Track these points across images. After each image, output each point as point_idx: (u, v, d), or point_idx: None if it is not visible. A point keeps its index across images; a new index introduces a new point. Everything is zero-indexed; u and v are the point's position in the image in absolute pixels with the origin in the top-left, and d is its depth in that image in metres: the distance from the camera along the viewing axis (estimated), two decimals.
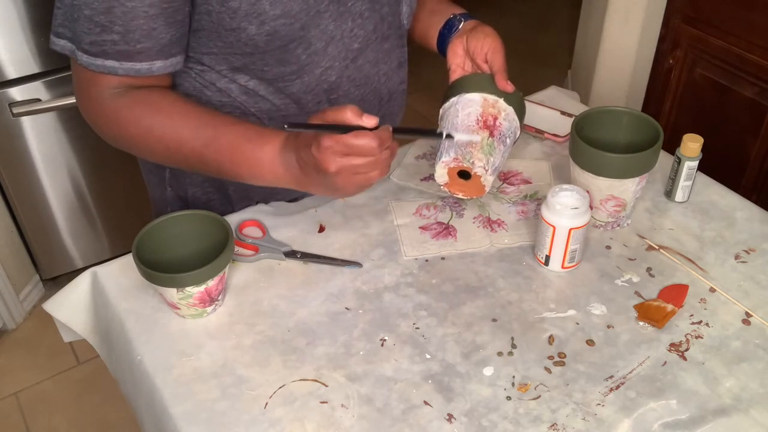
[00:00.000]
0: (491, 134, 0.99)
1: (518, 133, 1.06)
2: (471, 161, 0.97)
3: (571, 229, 0.96)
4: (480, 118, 1.00)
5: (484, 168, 0.97)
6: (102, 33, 0.86)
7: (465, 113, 1.01)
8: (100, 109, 0.94)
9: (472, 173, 0.98)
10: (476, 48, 1.07)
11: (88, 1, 0.84)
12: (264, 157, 0.91)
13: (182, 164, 0.98)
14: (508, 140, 1.01)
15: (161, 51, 0.90)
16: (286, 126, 0.81)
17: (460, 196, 1.02)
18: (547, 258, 1.00)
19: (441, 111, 1.08)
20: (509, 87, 1.02)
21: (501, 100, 1.02)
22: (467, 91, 1.04)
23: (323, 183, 0.88)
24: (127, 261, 1.02)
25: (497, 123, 1.00)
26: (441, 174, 1.01)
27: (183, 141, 0.93)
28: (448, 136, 0.97)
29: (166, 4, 0.85)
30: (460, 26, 1.11)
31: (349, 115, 0.84)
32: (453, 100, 1.05)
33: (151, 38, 0.87)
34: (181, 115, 0.93)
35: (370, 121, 0.84)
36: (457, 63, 1.10)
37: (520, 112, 1.06)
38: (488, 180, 0.98)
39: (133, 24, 0.85)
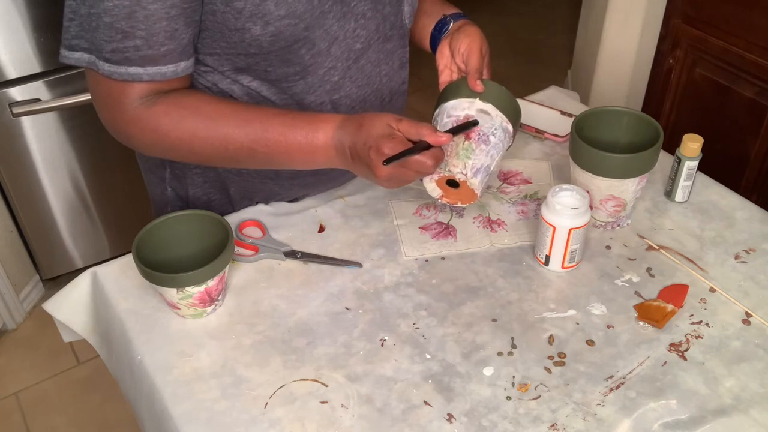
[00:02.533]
0: (467, 137, 0.98)
1: (509, 126, 1.03)
2: (448, 169, 0.96)
3: (571, 229, 0.96)
4: (455, 125, 0.99)
5: (462, 173, 0.96)
6: (124, 39, 0.85)
7: (443, 124, 1.01)
8: (130, 119, 0.92)
9: (459, 181, 0.97)
10: (455, 49, 1.07)
11: (108, 8, 0.83)
12: (317, 143, 0.93)
13: (229, 162, 0.99)
14: (492, 138, 0.99)
15: (183, 52, 0.89)
16: (384, 162, 0.87)
17: (459, 204, 1.02)
18: (547, 258, 1.00)
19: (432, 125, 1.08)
20: (478, 87, 1.01)
21: (477, 100, 1.01)
22: (446, 100, 1.04)
23: (368, 177, 0.93)
24: (127, 261, 1.03)
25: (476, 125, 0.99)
26: (432, 188, 1.00)
27: (230, 139, 0.93)
28: (475, 122, 1.00)
29: (186, 4, 0.85)
30: (450, 27, 1.11)
31: (425, 131, 0.89)
32: (435, 113, 1.05)
33: (174, 39, 0.87)
34: (222, 114, 0.94)
35: (441, 138, 0.89)
36: (444, 64, 1.10)
37: (505, 106, 1.03)
38: (474, 183, 0.96)
39: (156, 27, 0.85)
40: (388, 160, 0.86)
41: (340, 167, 0.95)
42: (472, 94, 1.01)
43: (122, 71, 0.88)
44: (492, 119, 1.00)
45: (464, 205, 1.03)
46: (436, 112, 1.04)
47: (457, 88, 1.03)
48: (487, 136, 0.98)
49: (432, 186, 1.00)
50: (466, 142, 0.97)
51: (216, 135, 0.93)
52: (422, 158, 0.88)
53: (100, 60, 0.88)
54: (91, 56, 0.88)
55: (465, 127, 0.98)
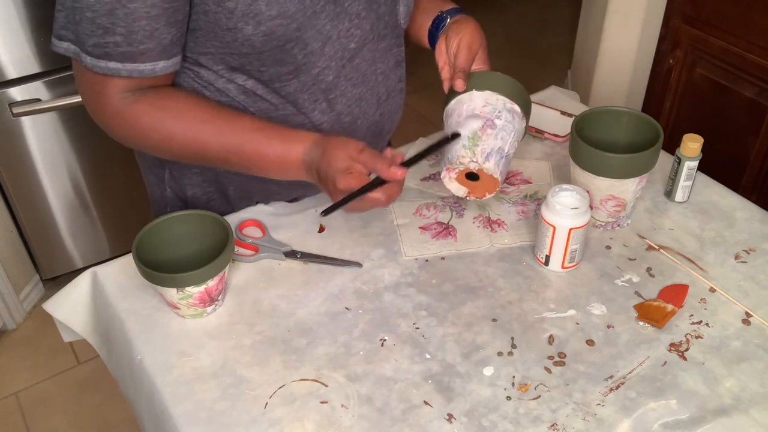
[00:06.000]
0: None
1: (515, 106, 1.02)
2: (458, 162, 0.97)
3: (571, 229, 0.96)
4: (458, 119, 1.01)
5: (474, 161, 0.97)
6: (104, 35, 0.86)
7: (446, 126, 1.03)
8: (112, 112, 0.94)
9: (475, 171, 0.98)
10: (449, 45, 1.08)
11: (90, 4, 0.84)
12: (290, 160, 0.96)
13: (204, 164, 1.02)
14: (497, 121, 0.99)
15: (163, 51, 0.90)
16: (321, 213, 0.94)
17: (488, 196, 1.02)
18: (547, 258, 1.00)
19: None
20: (459, 86, 1.02)
21: (473, 91, 1.02)
22: (448, 102, 1.06)
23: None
24: (127, 261, 1.02)
25: (476, 113, 1.00)
26: (456, 188, 1.02)
27: (206, 146, 0.96)
28: (455, 135, 0.99)
29: (167, 4, 0.85)
30: (446, 23, 1.11)
31: (380, 165, 0.90)
32: (445, 116, 1.07)
33: (153, 39, 0.88)
34: (201, 120, 0.95)
35: (396, 173, 0.90)
36: (444, 60, 1.10)
37: (504, 88, 1.03)
38: (489, 167, 0.97)
39: (136, 25, 0.86)
40: (326, 211, 0.93)
41: (311, 182, 0.98)
42: (468, 89, 1.03)
43: (102, 65, 0.89)
44: (493, 104, 1.01)
45: (492, 194, 1.03)
46: (445, 114, 1.06)
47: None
48: (492, 120, 0.99)
49: (455, 186, 1.01)
50: (471, 132, 0.98)
51: (193, 140, 0.96)
52: (375, 194, 0.91)
53: (83, 52, 0.90)
54: (76, 47, 0.90)
55: (439, 144, 0.99)
